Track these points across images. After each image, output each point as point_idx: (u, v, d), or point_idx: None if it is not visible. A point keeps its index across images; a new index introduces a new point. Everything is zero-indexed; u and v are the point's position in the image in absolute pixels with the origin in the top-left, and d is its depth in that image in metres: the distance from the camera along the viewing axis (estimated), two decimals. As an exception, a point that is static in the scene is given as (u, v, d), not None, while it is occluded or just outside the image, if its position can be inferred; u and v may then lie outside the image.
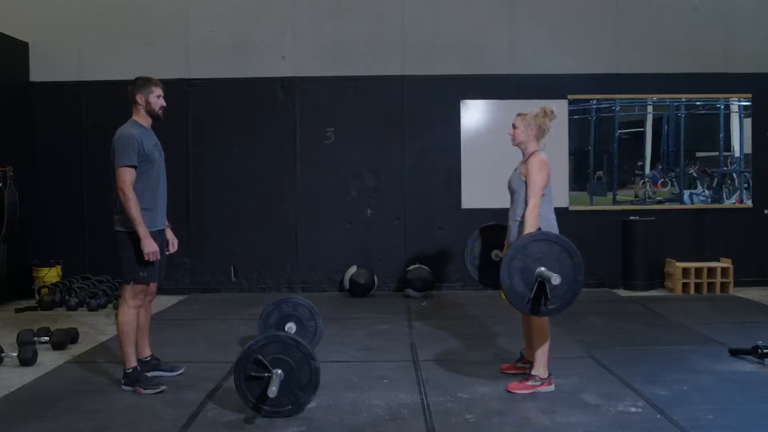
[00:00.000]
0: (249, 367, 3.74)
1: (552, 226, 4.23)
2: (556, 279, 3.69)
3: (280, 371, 3.72)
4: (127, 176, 4.14)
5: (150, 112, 4.40)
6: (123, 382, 4.31)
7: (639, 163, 8.00)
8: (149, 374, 4.48)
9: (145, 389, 4.23)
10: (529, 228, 4.09)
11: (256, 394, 3.74)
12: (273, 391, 3.59)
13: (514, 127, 4.36)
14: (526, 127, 4.31)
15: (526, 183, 4.21)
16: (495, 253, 4.77)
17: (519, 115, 4.37)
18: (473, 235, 4.89)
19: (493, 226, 4.86)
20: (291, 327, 4.89)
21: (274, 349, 3.76)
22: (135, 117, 4.39)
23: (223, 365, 4.74)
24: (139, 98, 4.37)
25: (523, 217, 4.17)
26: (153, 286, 4.48)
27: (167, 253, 4.58)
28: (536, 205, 4.13)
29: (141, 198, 4.20)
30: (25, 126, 7.82)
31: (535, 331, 4.24)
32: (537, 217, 4.13)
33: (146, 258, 4.15)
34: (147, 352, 4.60)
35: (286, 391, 3.73)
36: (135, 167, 4.18)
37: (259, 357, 3.72)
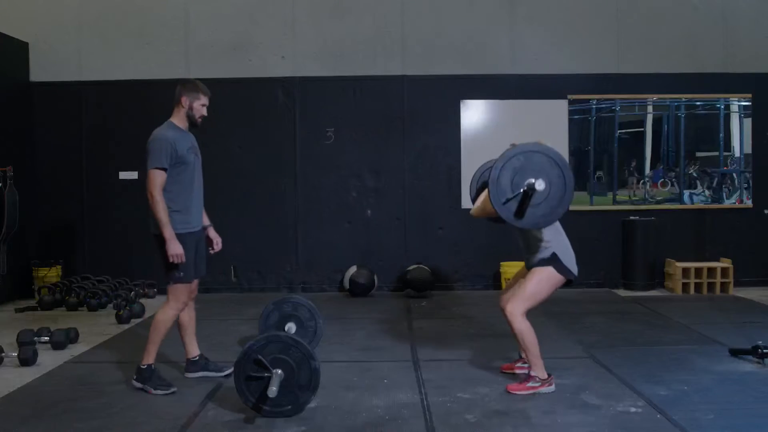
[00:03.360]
0: (249, 367, 3.74)
1: (566, 249, 4.23)
2: (539, 184, 3.72)
3: (280, 371, 3.72)
4: (156, 179, 4.13)
5: (190, 117, 4.38)
6: (134, 377, 4.29)
7: (634, 164, 7.98)
8: (197, 374, 4.49)
9: (155, 389, 4.21)
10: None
11: (256, 394, 3.74)
12: (273, 391, 3.59)
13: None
14: None
15: None
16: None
17: (513, 144, 4.36)
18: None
19: None
20: (291, 327, 4.90)
21: (274, 349, 3.76)
22: (173, 118, 4.38)
23: (224, 365, 4.73)
24: (184, 100, 4.34)
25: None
26: (195, 284, 4.48)
27: (211, 252, 4.56)
28: None
29: (175, 200, 4.20)
30: (25, 126, 7.82)
31: (519, 336, 4.21)
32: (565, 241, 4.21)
33: (170, 260, 4.14)
34: (195, 352, 4.59)
35: (286, 391, 3.73)
36: (165, 170, 4.16)
37: (259, 357, 3.72)
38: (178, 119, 4.38)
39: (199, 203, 4.47)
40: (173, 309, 4.29)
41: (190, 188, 4.34)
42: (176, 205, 4.22)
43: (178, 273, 4.22)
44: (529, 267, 4.30)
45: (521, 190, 3.83)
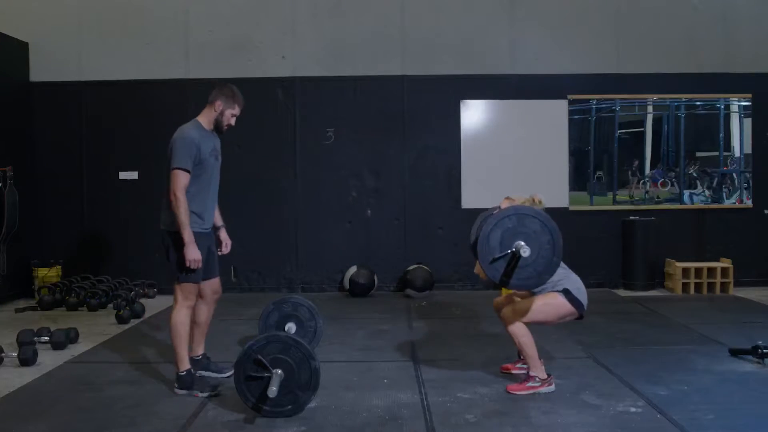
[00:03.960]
0: (249, 367, 3.74)
1: (578, 285, 4.21)
2: (525, 251, 3.71)
3: (280, 371, 3.71)
4: (181, 180, 4.11)
5: (218, 122, 4.34)
6: (176, 385, 4.24)
7: (636, 164, 7.99)
8: (197, 373, 4.49)
9: (201, 392, 4.18)
10: None
11: (256, 394, 3.74)
12: (273, 391, 3.59)
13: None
14: None
15: None
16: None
17: (507, 198, 4.38)
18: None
19: None
20: (291, 327, 4.90)
21: (274, 349, 3.76)
22: (200, 117, 4.33)
23: (224, 366, 4.73)
24: (218, 104, 4.29)
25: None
26: (216, 283, 4.47)
27: (220, 253, 4.51)
28: None
29: (192, 200, 4.17)
30: (25, 126, 7.82)
31: (515, 338, 4.20)
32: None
33: (187, 264, 4.12)
34: (200, 351, 4.58)
35: (286, 391, 3.73)
36: (189, 171, 4.15)
37: (259, 357, 3.72)
38: (206, 120, 4.33)
39: (214, 204, 4.45)
40: (184, 308, 4.24)
41: (207, 189, 4.32)
42: (193, 206, 4.20)
43: (188, 273, 4.21)
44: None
45: (509, 251, 3.82)
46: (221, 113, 4.31)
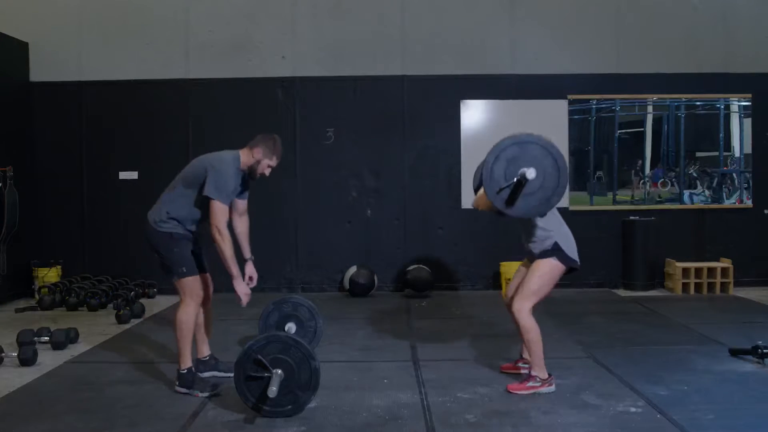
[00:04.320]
0: (249, 367, 3.74)
1: (568, 238, 4.25)
2: (531, 173, 3.70)
3: (280, 371, 3.71)
4: (223, 214, 4.11)
5: (252, 169, 4.33)
6: (177, 383, 4.24)
7: (640, 163, 7.99)
8: (207, 374, 4.49)
9: (202, 392, 4.18)
10: None
11: (256, 394, 3.74)
12: (273, 391, 3.59)
13: None
14: None
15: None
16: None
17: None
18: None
19: None
20: (291, 327, 4.90)
21: (274, 349, 3.76)
22: (242, 155, 4.32)
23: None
24: (257, 152, 4.29)
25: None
26: (207, 278, 4.47)
27: (242, 299, 4.36)
28: None
29: (188, 210, 4.21)
30: (25, 126, 7.82)
31: (524, 334, 4.22)
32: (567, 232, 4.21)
33: (239, 301, 4.23)
34: (206, 351, 4.59)
35: (286, 391, 3.73)
36: (227, 205, 4.18)
37: (259, 357, 3.72)
38: (244, 160, 4.32)
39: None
40: (190, 306, 4.23)
41: (195, 213, 4.31)
42: (185, 215, 4.21)
43: (182, 269, 4.21)
44: (530, 257, 4.31)
45: (514, 180, 3.82)
46: (258, 161, 4.31)
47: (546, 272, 4.19)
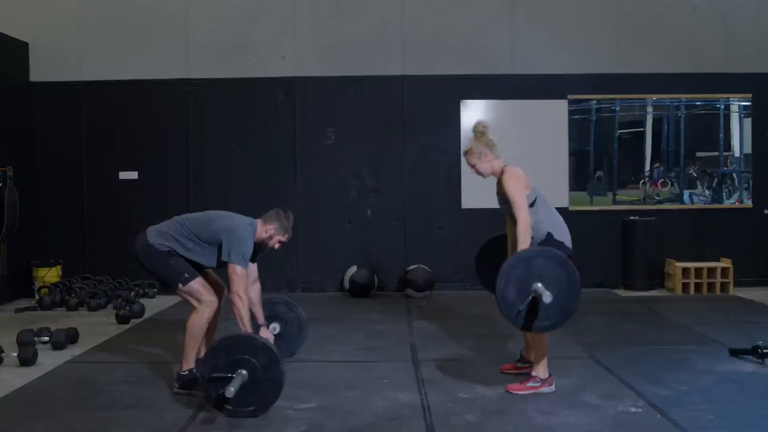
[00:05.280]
0: (214, 365, 3.71)
1: (559, 225, 4.25)
2: (547, 297, 3.62)
3: (244, 372, 3.70)
4: (242, 280, 4.15)
5: (263, 241, 4.38)
6: (176, 384, 4.24)
7: (653, 165, 7.98)
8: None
9: (201, 393, 4.16)
10: (523, 243, 4.05)
11: (220, 392, 3.70)
12: (231, 391, 3.56)
13: (473, 166, 4.35)
14: (480, 158, 4.31)
15: (508, 201, 4.19)
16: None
17: (465, 153, 4.39)
18: (486, 242, 4.91)
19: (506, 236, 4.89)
20: (275, 327, 4.86)
21: (240, 349, 3.73)
22: (259, 225, 4.37)
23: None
24: (270, 228, 4.35)
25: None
26: (213, 275, 4.49)
27: None
28: (525, 219, 4.09)
29: (191, 247, 4.25)
30: (25, 126, 7.82)
31: (529, 335, 4.23)
32: (528, 231, 4.08)
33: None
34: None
35: (251, 392, 3.70)
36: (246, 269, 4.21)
37: (224, 356, 3.70)
38: (258, 231, 4.36)
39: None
40: (205, 312, 4.23)
41: (208, 251, 4.34)
42: (187, 251, 4.25)
43: (183, 276, 4.21)
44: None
45: (529, 298, 3.77)
46: (270, 237, 4.36)
47: None
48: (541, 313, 3.74)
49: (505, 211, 4.35)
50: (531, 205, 4.18)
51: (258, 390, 3.73)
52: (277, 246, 4.41)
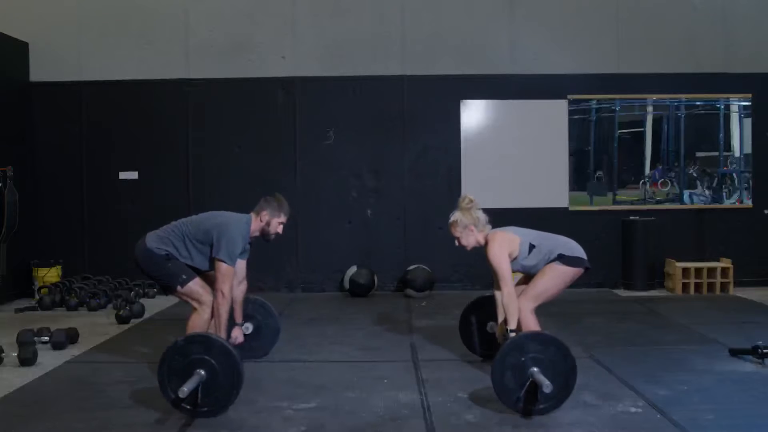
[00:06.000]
0: (172, 365, 3.70)
1: (568, 244, 4.31)
2: (547, 387, 3.58)
3: (202, 371, 3.68)
4: (228, 277, 4.18)
5: (264, 232, 4.41)
6: None
7: (653, 165, 7.99)
8: None
9: None
10: (511, 317, 4.17)
11: (177, 391, 3.67)
12: (183, 391, 3.56)
13: (457, 238, 4.44)
14: (464, 230, 4.41)
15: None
16: (490, 325, 4.85)
17: (451, 224, 4.48)
18: (471, 303, 5.00)
19: (493, 298, 4.92)
20: (248, 327, 4.84)
21: (197, 349, 3.71)
22: (253, 218, 4.40)
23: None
24: (264, 215, 4.38)
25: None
26: (212, 275, 4.48)
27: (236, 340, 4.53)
28: (509, 293, 4.19)
29: (186, 255, 4.29)
30: (25, 126, 7.82)
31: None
32: (514, 304, 4.19)
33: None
34: None
35: (208, 392, 3.69)
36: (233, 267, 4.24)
37: (182, 357, 3.69)
38: (254, 225, 4.40)
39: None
40: (205, 312, 4.26)
41: (205, 262, 4.37)
42: (183, 257, 4.29)
43: (181, 277, 4.24)
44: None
45: (528, 382, 3.73)
46: (267, 223, 4.39)
47: (553, 276, 4.23)
48: (541, 396, 3.74)
49: (492, 276, 4.41)
50: (530, 251, 4.27)
51: (216, 391, 3.71)
52: (279, 230, 4.42)
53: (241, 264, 4.53)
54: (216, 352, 3.72)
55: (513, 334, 4.09)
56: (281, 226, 4.45)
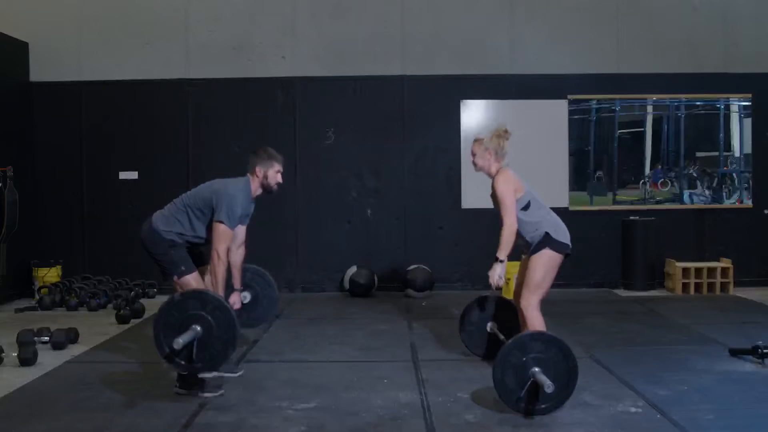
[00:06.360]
0: (168, 320, 3.71)
1: (557, 225, 4.29)
2: (549, 387, 3.58)
3: (198, 327, 3.69)
4: (226, 239, 4.18)
5: (265, 187, 4.42)
6: (177, 384, 4.21)
7: (653, 165, 7.98)
8: (210, 374, 4.47)
9: (203, 392, 4.15)
10: (504, 248, 4.20)
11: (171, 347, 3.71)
12: (179, 342, 3.57)
13: (472, 153, 4.46)
14: (483, 152, 4.42)
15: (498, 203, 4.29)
16: (490, 325, 4.87)
17: (476, 140, 4.47)
18: (471, 303, 4.98)
19: (493, 298, 4.93)
20: (246, 296, 4.86)
21: (194, 305, 3.73)
22: (250, 180, 4.41)
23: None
24: (259, 171, 4.38)
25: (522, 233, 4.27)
26: (206, 270, 4.49)
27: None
28: (510, 224, 4.21)
29: (194, 230, 4.29)
30: (25, 126, 7.82)
31: (530, 328, 4.24)
32: (513, 235, 4.22)
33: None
34: None
35: (203, 348, 3.71)
36: (232, 230, 4.24)
37: (178, 312, 3.70)
38: (254, 185, 4.41)
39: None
40: None
41: (203, 230, 4.37)
42: (191, 236, 4.30)
43: (180, 268, 4.25)
44: (526, 250, 4.35)
45: (529, 382, 3.73)
46: (265, 176, 4.40)
47: (543, 264, 4.23)
48: (542, 396, 3.74)
49: (498, 215, 4.41)
50: (526, 208, 4.26)
51: (211, 347, 3.73)
52: (279, 179, 4.42)
53: (241, 229, 4.53)
54: (212, 308, 3.73)
55: (502, 263, 4.18)
56: (279, 175, 4.44)
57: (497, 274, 4.22)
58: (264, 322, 4.95)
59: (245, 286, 4.90)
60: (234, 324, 3.76)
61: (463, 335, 5.00)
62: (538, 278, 4.24)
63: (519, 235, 4.30)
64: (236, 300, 4.60)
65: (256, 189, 4.42)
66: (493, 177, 4.39)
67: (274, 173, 4.40)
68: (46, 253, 7.77)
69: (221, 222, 4.17)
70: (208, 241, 4.36)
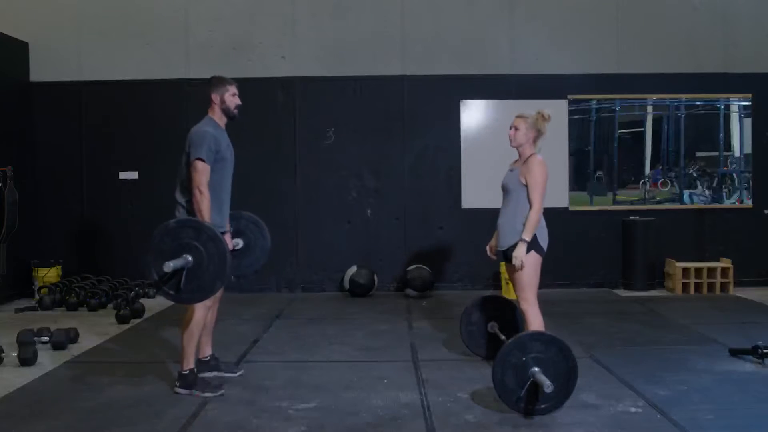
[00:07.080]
0: (161, 247, 3.71)
1: (542, 227, 4.28)
2: (548, 387, 3.59)
3: (190, 257, 3.69)
4: (204, 173, 4.14)
5: (225, 111, 4.41)
6: (177, 384, 4.22)
7: (653, 165, 7.99)
8: (210, 374, 4.47)
9: (203, 392, 4.15)
10: (530, 229, 4.15)
11: (161, 272, 3.70)
12: (169, 266, 3.56)
13: (515, 128, 4.35)
14: (528, 129, 4.33)
15: (527, 185, 4.24)
16: (491, 325, 4.88)
17: (519, 116, 4.37)
18: (472, 303, 4.98)
19: (494, 298, 4.92)
20: (238, 242, 4.84)
21: (187, 233, 3.73)
22: (211, 115, 4.40)
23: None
24: (215, 97, 4.38)
25: (526, 218, 4.23)
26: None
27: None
28: (540, 209, 4.19)
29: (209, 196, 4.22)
30: (25, 126, 7.82)
31: (530, 327, 4.24)
32: (539, 217, 4.20)
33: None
34: (207, 351, 4.59)
35: (192, 278, 3.71)
36: (209, 165, 4.19)
37: (171, 239, 3.70)
38: (216, 116, 4.40)
39: (228, 205, 4.49)
40: (201, 310, 4.22)
41: (221, 187, 4.36)
42: (211, 203, 4.22)
43: None
44: (504, 249, 4.33)
45: (528, 382, 3.73)
46: (222, 101, 4.38)
47: (530, 265, 4.21)
48: (542, 396, 3.73)
49: (504, 200, 4.40)
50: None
51: (199, 278, 3.73)
52: (237, 100, 4.42)
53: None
54: (205, 239, 3.72)
55: (526, 242, 4.14)
56: (236, 97, 4.43)
57: (523, 253, 4.19)
58: (254, 269, 4.91)
59: (239, 233, 4.84)
60: (225, 257, 3.72)
61: (464, 335, 5.00)
62: (527, 280, 4.24)
63: (505, 217, 4.32)
64: (227, 241, 4.57)
65: (219, 119, 4.40)
66: (525, 159, 4.33)
67: (230, 96, 4.39)
68: (46, 253, 7.77)
69: (198, 159, 4.12)
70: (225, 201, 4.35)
